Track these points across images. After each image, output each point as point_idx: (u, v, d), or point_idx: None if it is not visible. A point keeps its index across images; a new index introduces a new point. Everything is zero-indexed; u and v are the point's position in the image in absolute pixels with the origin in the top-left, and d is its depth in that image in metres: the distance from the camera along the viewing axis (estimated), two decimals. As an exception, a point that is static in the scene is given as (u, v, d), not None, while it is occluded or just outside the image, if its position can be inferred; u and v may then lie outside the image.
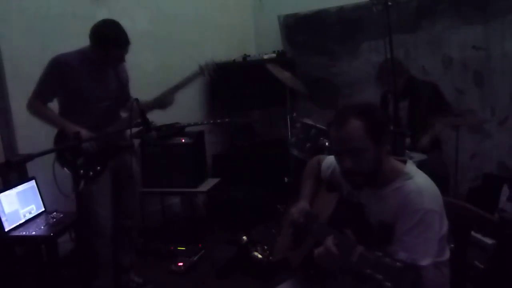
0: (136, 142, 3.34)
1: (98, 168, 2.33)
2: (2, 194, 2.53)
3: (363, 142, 1.35)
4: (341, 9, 3.96)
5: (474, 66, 3.33)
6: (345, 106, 1.47)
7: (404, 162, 1.47)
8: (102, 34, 2.28)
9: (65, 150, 2.22)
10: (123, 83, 2.52)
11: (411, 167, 1.44)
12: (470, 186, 3.14)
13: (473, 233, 2.03)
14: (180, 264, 2.95)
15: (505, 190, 2.53)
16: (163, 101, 2.49)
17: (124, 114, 2.53)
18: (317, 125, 2.87)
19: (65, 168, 2.26)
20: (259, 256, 2.85)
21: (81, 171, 2.24)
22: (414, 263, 1.02)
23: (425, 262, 1.25)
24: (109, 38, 2.27)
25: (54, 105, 2.38)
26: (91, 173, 2.29)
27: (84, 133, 2.17)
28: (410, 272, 0.98)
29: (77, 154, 2.18)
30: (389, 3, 2.39)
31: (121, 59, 2.39)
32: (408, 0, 3.51)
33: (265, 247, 2.90)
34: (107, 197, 2.43)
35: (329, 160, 1.74)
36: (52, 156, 2.22)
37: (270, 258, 2.81)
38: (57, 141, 2.35)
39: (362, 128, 1.35)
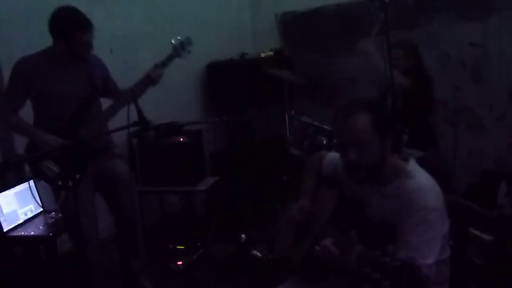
0: (135, 141, 3.35)
1: (77, 176, 2.19)
2: (0, 194, 2.52)
3: (370, 134, 1.36)
4: (338, 7, 3.95)
5: (471, 63, 3.34)
6: (352, 100, 1.47)
7: (406, 160, 1.47)
8: (60, 22, 2.10)
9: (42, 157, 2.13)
10: (95, 79, 2.31)
11: (413, 166, 1.44)
12: (468, 182, 3.14)
13: (471, 229, 2.04)
14: (179, 262, 2.94)
15: (503, 186, 2.53)
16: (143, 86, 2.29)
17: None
18: (315, 123, 2.87)
19: (42, 181, 2.19)
20: (258, 254, 2.85)
21: (60, 182, 2.13)
22: (412, 262, 1.02)
23: (429, 260, 1.26)
24: (68, 25, 2.09)
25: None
26: (70, 182, 2.16)
27: (56, 141, 2.11)
28: (408, 271, 0.98)
29: (57, 163, 2.14)
30: (386, 1, 2.38)
31: (88, 46, 2.18)
32: (406, -3, 3.51)
33: (264, 245, 2.90)
34: (90, 204, 2.33)
35: (331, 156, 1.73)
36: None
37: (269, 256, 2.81)
38: (28, 152, 2.22)
39: (370, 121, 1.36)
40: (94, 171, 2.34)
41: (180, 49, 2.35)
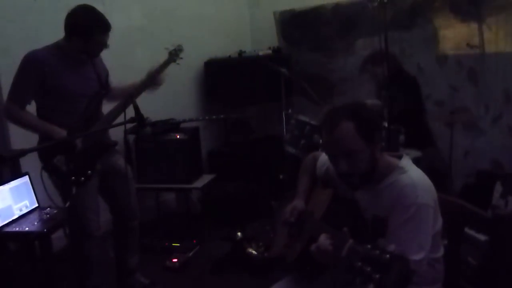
0: (131, 137, 3.34)
1: (89, 172, 2.19)
2: (-5, 189, 2.51)
3: (356, 143, 1.35)
4: (337, 6, 3.96)
5: (468, 64, 3.35)
6: (334, 108, 1.46)
7: (400, 157, 1.48)
8: (80, 22, 2.12)
9: (56, 152, 2.11)
10: (102, 77, 2.36)
11: (406, 162, 1.45)
12: (464, 182, 3.15)
13: (466, 229, 2.05)
14: (175, 260, 2.94)
15: (498, 187, 2.54)
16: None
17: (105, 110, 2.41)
18: (312, 122, 2.87)
19: (53, 177, 2.17)
20: (254, 252, 2.85)
21: (72, 177, 2.09)
22: (402, 255, 1.03)
23: (418, 256, 1.26)
24: (89, 25, 2.12)
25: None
26: (82, 178, 2.15)
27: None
28: (397, 263, 1.00)
29: (72, 159, 2.14)
30: (385, 1, 2.39)
31: (103, 46, 2.23)
32: (404, -3, 3.52)
33: (260, 243, 2.90)
34: (95, 201, 2.35)
35: (324, 157, 1.73)
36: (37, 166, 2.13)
37: (265, 254, 2.82)
38: (42, 150, 2.17)
39: (353, 129, 1.35)
40: (100, 167, 2.34)
41: (174, 55, 2.44)
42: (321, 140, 2.73)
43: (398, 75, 3.04)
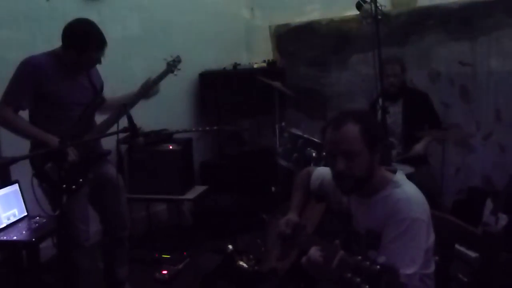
0: (124, 147, 3.33)
1: (80, 180, 2.18)
2: (-17, 197, 2.48)
3: (359, 145, 1.37)
4: (331, 21, 4.01)
5: (460, 81, 3.40)
6: (344, 110, 1.49)
7: (394, 172, 1.49)
8: (76, 36, 2.13)
9: (47, 159, 2.07)
10: (97, 88, 2.38)
11: (400, 176, 1.46)
12: (455, 199, 3.17)
13: (457, 246, 2.05)
14: (165, 272, 2.91)
15: (488, 204, 2.56)
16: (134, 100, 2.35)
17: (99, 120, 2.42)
18: (305, 136, 2.88)
19: (44, 184, 2.14)
20: (245, 265, 2.83)
21: (64, 185, 2.07)
22: (392, 266, 1.03)
23: (410, 270, 1.27)
24: (84, 40, 2.12)
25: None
26: (73, 186, 2.14)
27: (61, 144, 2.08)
28: (387, 275, 1.00)
29: (62, 167, 2.11)
30: (379, 17, 2.43)
31: (97, 62, 2.25)
32: (398, 15, 3.58)
33: (251, 256, 2.88)
34: (85, 210, 2.32)
35: (318, 172, 1.75)
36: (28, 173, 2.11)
37: (256, 267, 2.80)
38: (33, 157, 2.14)
39: (359, 132, 1.38)
40: (91, 176, 2.32)
41: (172, 66, 2.45)
42: (313, 153, 2.75)
43: (406, 89, 3.09)
